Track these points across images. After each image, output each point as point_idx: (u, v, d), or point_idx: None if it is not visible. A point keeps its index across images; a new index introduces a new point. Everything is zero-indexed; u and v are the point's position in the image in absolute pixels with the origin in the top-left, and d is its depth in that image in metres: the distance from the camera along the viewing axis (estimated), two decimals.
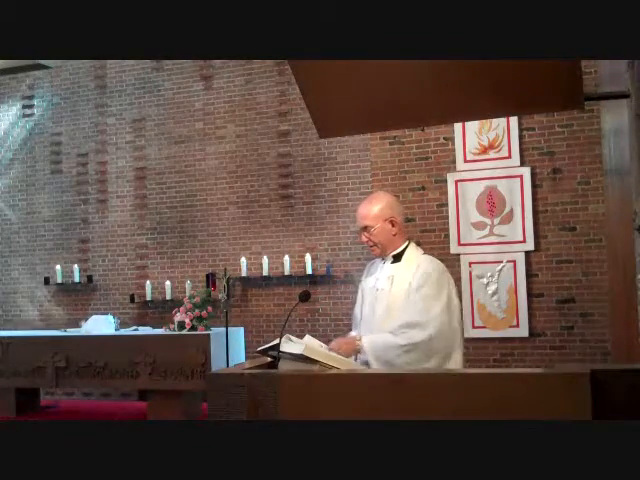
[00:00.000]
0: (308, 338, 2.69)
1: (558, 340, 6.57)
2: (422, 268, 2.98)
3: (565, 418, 1.88)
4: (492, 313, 6.69)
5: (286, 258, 7.53)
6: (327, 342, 2.99)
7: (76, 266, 8.33)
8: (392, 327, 2.89)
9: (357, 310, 3.26)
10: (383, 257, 3.15)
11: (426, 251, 3.19)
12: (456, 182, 6.85)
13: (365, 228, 3.08)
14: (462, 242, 6.80)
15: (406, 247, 3.11)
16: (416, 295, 2.93)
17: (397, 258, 3.09)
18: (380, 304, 3.04)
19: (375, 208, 3.07)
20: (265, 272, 7.58)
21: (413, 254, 3.09)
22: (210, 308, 7.09)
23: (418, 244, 3.29)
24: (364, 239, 3.10)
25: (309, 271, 7.40)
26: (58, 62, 8.44)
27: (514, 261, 6.64)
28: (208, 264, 7.91)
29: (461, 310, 3.09)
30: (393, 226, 3.06)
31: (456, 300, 3.00)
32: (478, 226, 6.76)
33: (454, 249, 6.80)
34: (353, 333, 3.23)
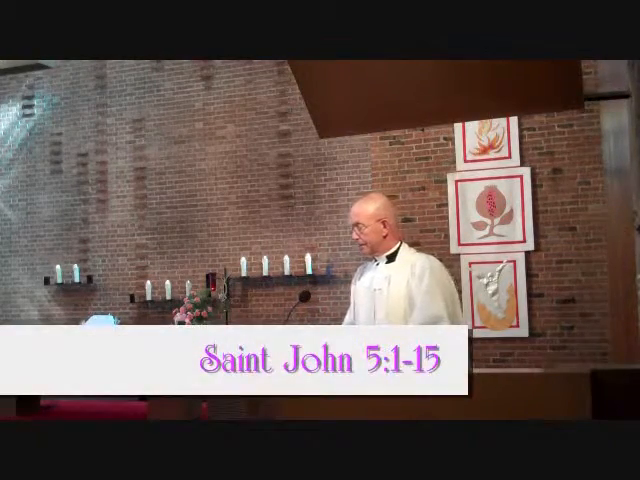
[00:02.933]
0: None
1: (558, 340, 6.57)
2: (419, 266, 3.00)
3: (565, 418, 1.88)
4: (492, 313, 6.69)
5: (286, 258, 7.52)
6: None
7: (76, 266, 8.33)
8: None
9: (350, 316, 3.25)
10: (375, 258, 3.16)
11: (424, 251, 3.22)
12: (456, 182, 6.85)
13: (357, 225, 3.10)
14: (462, 242, 6.80)
15: (399, 247, 3.13)
16: (420, 295, 2.93)
17: (391, 258, 3.11)
18: (379, 305, 3.04)
19: (369, 207, 3.11)
20: (265, 272, 7.58)
21: (407, 253, 3.12)
22: (210, 308, 7.09)
23: (418, 244, 3.31)
24: (355, 236, 3.13)
25: (309, 271, 7.40)
26: (58, 62, 8.44)
27: (514, 261, 6.63)
28: (208, 264, 7.90)
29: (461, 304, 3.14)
30: (384, 227, 3.09)
31: (456, 292, 3.05)
32: (478, 226, 6.75)
33: (454, 249, 6.80)
34: None
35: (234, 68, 7.93)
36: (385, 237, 3.09)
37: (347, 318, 3.29)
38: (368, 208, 3.11)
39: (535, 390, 1.98)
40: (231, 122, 7.95)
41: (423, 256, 3.09)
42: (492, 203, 6.73)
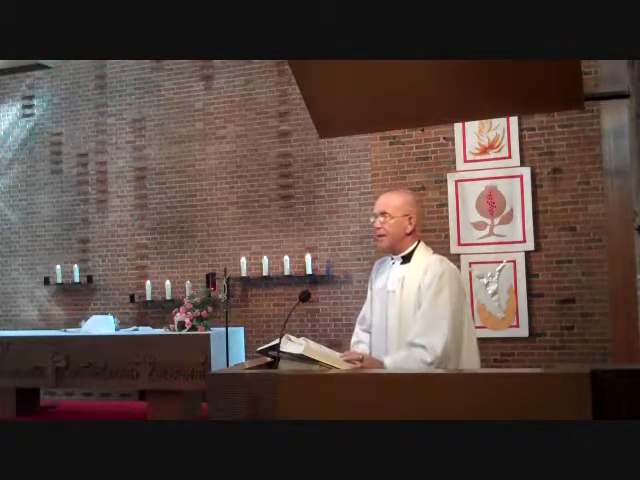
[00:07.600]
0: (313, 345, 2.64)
1: (558, 340, 6.57)
2: (432, 270, 2.92)
3: (565, 418, 1.88)
4: (492, 313, 6.69)
5: (286, 258, 7.53)
6: (328, 344, 2.98)
7: (76, 266, 8.34)
8: (410, 339, 2.83)
9: (367, 310, 3.23)
10: (392, 256, 3.11)
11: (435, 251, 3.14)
12: (456, 182, 6.85)
13: (383, 213, 3.04)
14: (462, 242, 6.80)
15: (415, 247, 3.07)
16: (426, 299, 2.89)
17: (406, 259, 3.06)
18: (392, 309, 2.99)
19: (399, 199, 3.05)
20: (265, 272, 7.58)
21: (423, 255, 3.04)
22: (210, 308, 7.09)
23: None
24: (377, 224, 3.05)
25: (309, 271, 7.40)
26: (58, 62, 8.44)
27: (514, 261, 6.63)
28: (208, 264, 7.91)
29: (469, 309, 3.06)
30: (409, 223, 3.03)
31: (465, 301, 2.96)
32: (478, 226, 6.75)
33: (454, 249, 6.80)
34: (357, 329, 3.22)
35: (234, 68, 7.93)
36: (408, 234, 3.04)
37: (362, 311, 3.27)
38: (398, 200, 3.04)
39: (535, 390, 1.98)
40: (231, 122, 7.95)
41: (437, 260, 2.99)
42: (492, 203, 6.73)
